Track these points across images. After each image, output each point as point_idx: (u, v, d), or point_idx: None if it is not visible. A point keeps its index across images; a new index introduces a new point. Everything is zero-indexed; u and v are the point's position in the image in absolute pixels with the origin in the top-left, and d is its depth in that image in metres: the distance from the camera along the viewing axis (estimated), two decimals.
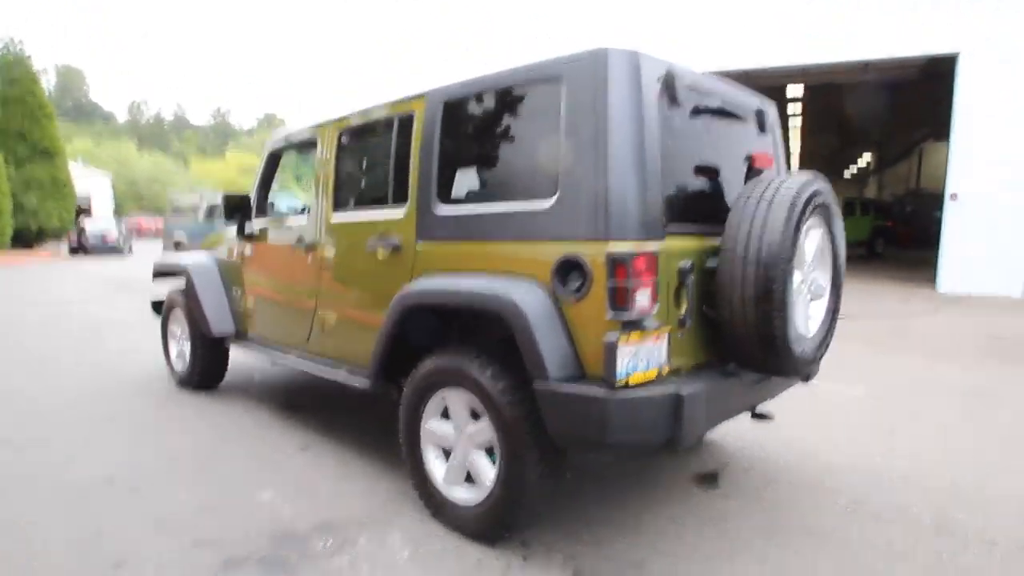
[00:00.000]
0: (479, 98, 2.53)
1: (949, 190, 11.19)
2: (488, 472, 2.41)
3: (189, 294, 4.24)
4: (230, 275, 4.19)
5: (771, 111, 3.01)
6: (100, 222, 23.48)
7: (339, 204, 3.19)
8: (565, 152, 2.18)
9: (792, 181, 2.27)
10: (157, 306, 4.89)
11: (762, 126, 2.91)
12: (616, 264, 2.03)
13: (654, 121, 2.16)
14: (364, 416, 4.08)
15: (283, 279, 3.61)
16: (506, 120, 2.45)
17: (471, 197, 2.53)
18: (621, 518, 2.71)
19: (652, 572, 2.30)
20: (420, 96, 2.74)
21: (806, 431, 3.83)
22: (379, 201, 2.96)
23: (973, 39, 9.58)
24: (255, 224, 3.85)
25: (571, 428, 2.09)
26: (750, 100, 2.87)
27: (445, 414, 2.60)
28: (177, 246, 13.93)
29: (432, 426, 2.61)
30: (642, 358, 2.07)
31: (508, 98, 2.43)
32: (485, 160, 2.54)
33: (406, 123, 2.81)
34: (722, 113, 2.59)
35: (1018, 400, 4.69)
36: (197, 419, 3.96)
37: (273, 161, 3.84)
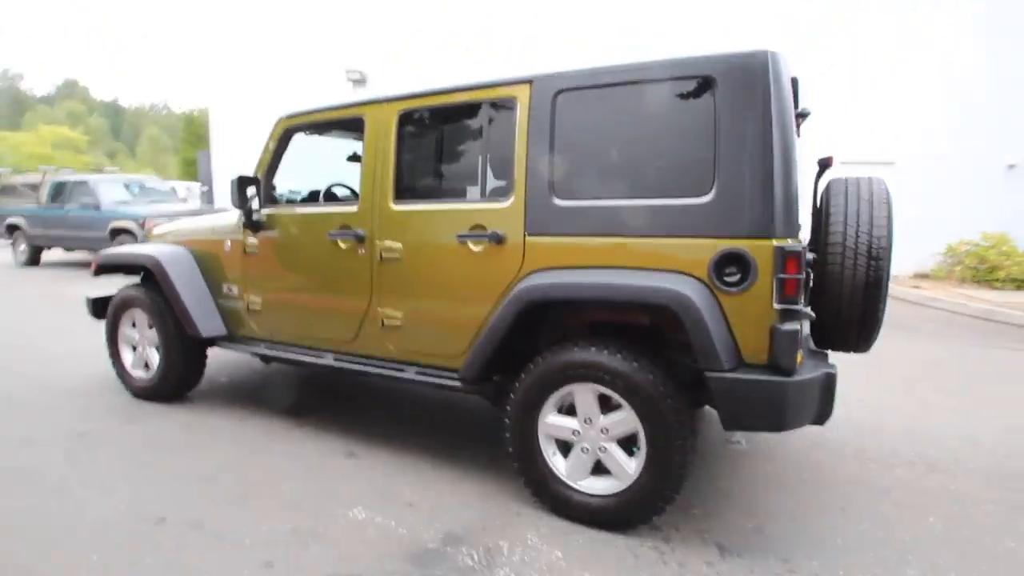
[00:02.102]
0: (602, 89, 2.33)
1: None
2: (627, 462, 2.30)
3: (166, 291, 3.46)
4: (217, 269, 3.49)
5: None
6: None
7: (402, 192, 2.77)
8: (723, 150, 2.10)
9: (877, 182, 2.42)
10: (98, 306, 3.92)
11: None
12: (787, 258, 2.02)
13: (793, 121, 2.17)
14: (386, 415, 3.67)
15: (314, 273, 3.07)
16: (637, 114, 2.28)
17: (597, 191, 2.34)
18: (708, 490, 2.74)
19: (773, 535, 2.38)
20: (524, 81, 2.45)
21: None
22: (463, 191, 2.64)
23: None
24: (265, 212, 3.22)
25: (749, 414, 2.06)
26: None
27: (561, 409, 2.43)
28: (11, 233, 11.27)
29: (552, 421, 2.42)
30: (799, 343, 2.10)
31: (639, 92, 2.27)
32: (611, 153, 2.35)
33: (503, 109, 2.51)
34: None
35: (895, 357, 5.54)
36: (192, 433, 3.27)
37: (286, 140, 3.22)
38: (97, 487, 2.64)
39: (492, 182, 2.58)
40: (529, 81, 2.45)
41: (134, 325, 3.78)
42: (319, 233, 3.00)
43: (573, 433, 2.39)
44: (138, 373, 3.78)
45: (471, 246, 2.55)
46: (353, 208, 2.90)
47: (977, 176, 9.86)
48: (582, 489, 2.38)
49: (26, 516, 2.39)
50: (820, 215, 2.43)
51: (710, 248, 2.11)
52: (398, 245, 2.76)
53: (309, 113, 3.14)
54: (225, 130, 12.99)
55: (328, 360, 3.05)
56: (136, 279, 3.97)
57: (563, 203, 2.37)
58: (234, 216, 3.47)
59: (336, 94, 12.15)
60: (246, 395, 3.96)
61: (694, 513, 2.53)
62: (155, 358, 3.68)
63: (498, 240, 2.48)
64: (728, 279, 2.10)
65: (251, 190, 3.15)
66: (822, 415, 2.15)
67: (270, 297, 3.26)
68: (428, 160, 2.88)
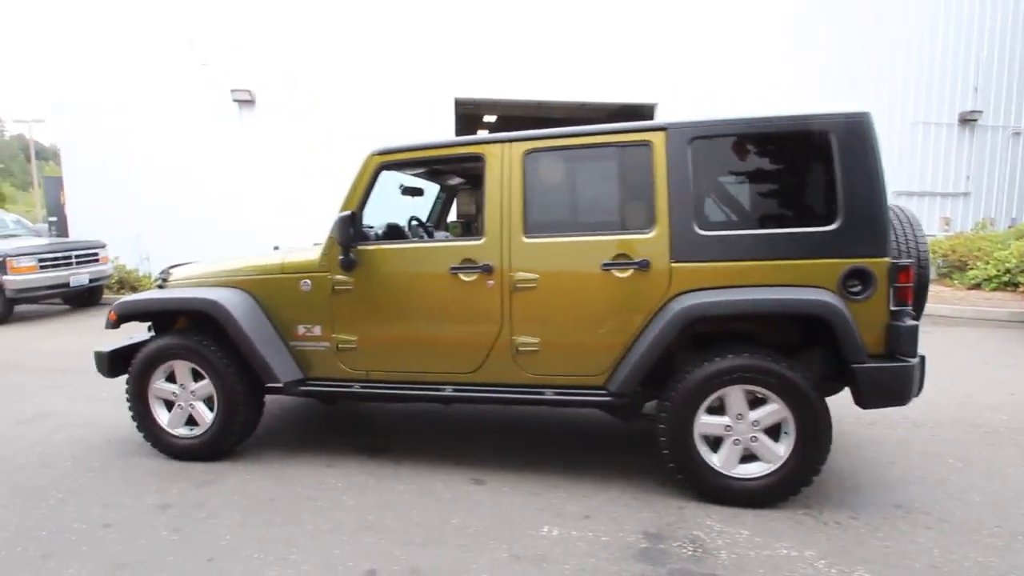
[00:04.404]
0: (732, 138, 2.75)
1: None
2: (775, 448, 2.71)
3: (235, 337, 3.15)
4: (290, 310, 3.26)
5: None
6: None
7: (533, 226, 2.93)
8: (843, 188, 2.62)
9: (906, 209, 3.14)
10: (117, 360, 3.40)
11: None
12: (900, 271, 2.60)
13: None
14: (466, 439, 3.69)
15: (431, 308, 3.05)
16: (765, 158, 2.75)
17: (736, 223, 2.76)
18: None
19: (870, 488, 2.95)
20: (659, 128, 2.78)
21: None
22: (599, 223, 2.89)
23: (667, 93, 12.47)
24: (361, 248, 3.13)
25: (884, 393, 2.60)
26: None
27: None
28: None
29: (705, 420, 2.75)
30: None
31: (765, 141, 2.73)
32: (745, 190, 2.78)
33: (636, 152, 2.82)
34: None
35: None
36: (295, 487, 3.00)
37: (376, 176, 3.15)
38: (259, 556, 2.39)
39: (631, 215, 2.85)
40: (664, 128, 2.79)
41: (170, 379, 3.37)
42: (437, 267, 3.02)
43: (725, 428, 2.75)
44: (181, 431, 3.37)
45: (616, 273, 2.81)
46: (478, 242, 2.98)
47: None
48: (738, 475, 2.75)
49: None
50: None
51: (839, 266, 2.63)
52: (533, 275, 2.90)
53: (405, 150, 3.13)
54: (82, 154, 11.18)
55: (448, 392, 3.06)
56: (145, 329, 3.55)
57: (706, 233, 2.74)
58: (308, 253, 3.30)
59: (221, 116, 11.14)
60: (295, 438, 3.70)
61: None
62: (205, 413, 3.32)
63: (645, 267, 2.78)
64: (852, 290, 2.63)
65: (347, 227, 3.05)
66: (920, 389, 2.77)
67: (371, 334, 3.16)
68: (558, 196, 3.05)
